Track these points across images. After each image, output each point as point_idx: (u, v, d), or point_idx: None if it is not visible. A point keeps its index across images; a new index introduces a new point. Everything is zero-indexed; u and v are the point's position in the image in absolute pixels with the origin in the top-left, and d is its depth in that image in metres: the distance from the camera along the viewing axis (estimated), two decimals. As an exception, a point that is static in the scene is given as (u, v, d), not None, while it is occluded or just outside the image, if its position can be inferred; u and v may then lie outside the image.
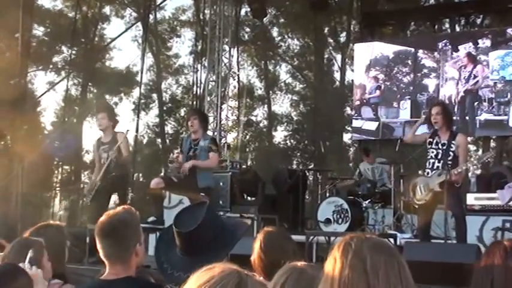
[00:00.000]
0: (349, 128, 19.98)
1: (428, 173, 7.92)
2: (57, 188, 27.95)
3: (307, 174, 14.21)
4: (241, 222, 3.65)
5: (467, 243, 7.64)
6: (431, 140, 7.94)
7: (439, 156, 7.82)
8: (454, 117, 13.75)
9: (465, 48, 14.28)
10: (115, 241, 3.17)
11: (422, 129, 8.63)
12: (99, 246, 3.22)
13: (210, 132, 15.59)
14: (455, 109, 13.96)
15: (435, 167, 7.84)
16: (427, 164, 7.98)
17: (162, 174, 8.91)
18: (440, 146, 7.83)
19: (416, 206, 8.14)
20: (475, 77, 14.01)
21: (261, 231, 3.90)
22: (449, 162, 7.70)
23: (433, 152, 7.90)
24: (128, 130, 9.48)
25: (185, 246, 3.24)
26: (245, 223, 3.63)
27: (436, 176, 7.76)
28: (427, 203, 7.88)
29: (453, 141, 7.79)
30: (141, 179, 28.45)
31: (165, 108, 30.80)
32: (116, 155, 8.96)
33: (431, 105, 8.14)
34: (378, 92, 15.16)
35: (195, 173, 8.67)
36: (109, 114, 9.25)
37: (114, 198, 9.97)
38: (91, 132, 49.90)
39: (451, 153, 7.77)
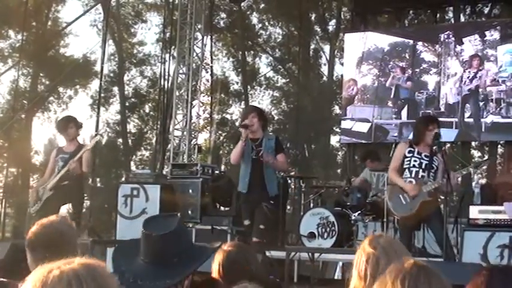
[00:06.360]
0: (338, 130, 20.04)
1: (411, 182, 8.12)
2: (1, 194, 27.75)
3: (289, 181, 14.18)
4: (208, 248, 3.66)
5: (471, 263, 7.68)
6: (412, 149, 8.21)
7: (423, 166, 8.11)
8: (456, 120, 14.00)
9: (470, 41, 14.38)
10: (53, 253, 3.15)
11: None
12: (31, 260, 3.22)
13: (178, 133, 15.65)
14: (458, 110, 14.04)
15: (419, 176, 8.10)
16: (407, 173, 8.17)
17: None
18: (423, 157, 8.13)
19: (398, 218, 8.29)
20: (477, 75, 14.10)
21: (219, 250, 3.97)
22: (433, 174, 8.08)
23: (415, 161, 8.15)
24: (97, 139, 9.48)
25: (153, 252, 3.23)
26: (211, 249, 3.64)
27: (423, 184, 8.01)
28: (412, 215, 8.02)
29: (435, 157, 8.12)
30: (98, 185, 28.32)
31: (127, 103, 30.70)
32: (74, 166, 8.99)
33: (428, 121, 8.39)
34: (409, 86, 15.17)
35: (264, 179, 8.50)
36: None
37: (67, 207, 9.96)
38: (41, 129, 49.92)
39: (434, 166, 8.10)
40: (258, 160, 8.46)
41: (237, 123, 30.48)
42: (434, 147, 8.14)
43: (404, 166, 8.19)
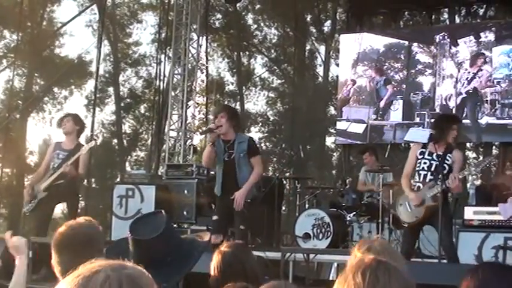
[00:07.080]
0: (333, 131, 20.05)
1: (419, 188, 8.00)
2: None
3: (284, 182, 14.18)
4: (198, 241, 3.65)
5: (465, 263, 7.69)
6: (423, 150, 8.04)
7: (432, 168, 7.91)
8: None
9: (465, 42, 14.39)
10: (78, 256, 3.15)
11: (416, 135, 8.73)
12: (56, 260, 3.21)
13: (174, 133, 15.63)
14: (454, 112, 14.04)
15: (427, 180, 7.94)
16: (416, 177, 8.05)
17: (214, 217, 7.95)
18: (434, 157, 7.91)
19: (406, 225, 8.22)
20: (477, 76, 14.10)
21: (217, 250, 3.99)
22: (442, 176, 7.81)
23: (425, 164, 7.97)
24: (91, 145, 9.47)
25: (143, 256, 3.20)
26: (202, 242, 3.63)
27: (427, 188, 7.87)
28: (418, 220, 7.98)
29: (449, 154, 7.90)
30: (93, 185, 28.27)
31: (122, 104, 30.67)
32: (69, 169, 8.98)
33: (451, 120, 8.26)
34: (389, 89, 15.15)
35: (237, 182, 8.15)
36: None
37: (61, 207, 9.95)
38: (36, 130, 49.81)
39: (446, 165, 7.87)
40: (230, 162, 8.14)
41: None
42: (451, 144, 7.99)
43: (416, 169, 8.08)
